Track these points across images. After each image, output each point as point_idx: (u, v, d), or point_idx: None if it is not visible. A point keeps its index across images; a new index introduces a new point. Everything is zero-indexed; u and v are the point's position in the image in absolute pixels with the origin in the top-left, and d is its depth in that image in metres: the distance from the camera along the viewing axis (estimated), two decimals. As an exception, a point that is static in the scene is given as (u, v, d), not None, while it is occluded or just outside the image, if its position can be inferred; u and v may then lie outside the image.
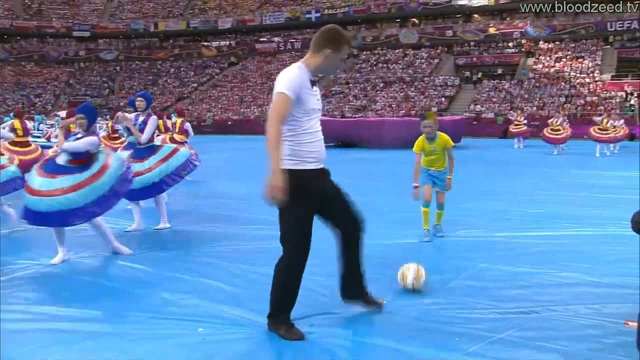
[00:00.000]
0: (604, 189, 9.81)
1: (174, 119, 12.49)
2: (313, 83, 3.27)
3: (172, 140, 10.31)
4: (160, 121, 10.53)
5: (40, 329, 3.58)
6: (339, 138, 22.09)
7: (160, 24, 56.33)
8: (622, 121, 20.19)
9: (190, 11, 58.19)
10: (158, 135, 9.29)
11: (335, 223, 3.42)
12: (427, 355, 3.07)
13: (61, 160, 5.12)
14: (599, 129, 18.69)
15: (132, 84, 52.72)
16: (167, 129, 11.23)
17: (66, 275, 4.83)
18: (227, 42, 55.98)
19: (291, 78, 3.13)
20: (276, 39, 53.98)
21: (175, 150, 6.80)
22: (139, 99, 6.89)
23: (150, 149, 6.68)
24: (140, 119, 6.75)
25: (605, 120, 18.81)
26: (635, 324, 2.77)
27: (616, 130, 18.75)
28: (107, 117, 20.91)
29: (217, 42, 56.40)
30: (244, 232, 6.46)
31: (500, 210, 7.72)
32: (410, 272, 4.07)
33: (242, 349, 3.19)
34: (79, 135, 5.20)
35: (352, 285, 3.62)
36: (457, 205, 7.22)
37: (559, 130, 18.79)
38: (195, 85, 50.94)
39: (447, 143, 5.75)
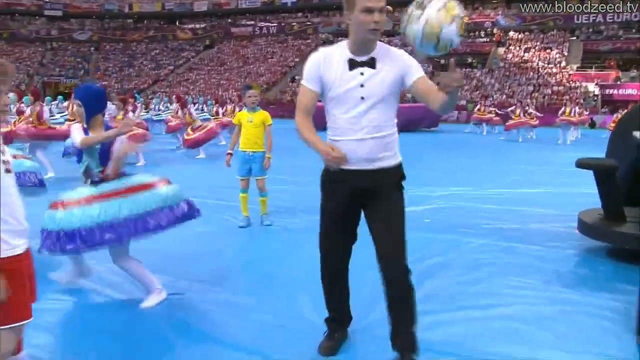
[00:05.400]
0: (561, 164, 11.21)
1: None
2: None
3: None
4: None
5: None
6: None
7: (135, 5, 56.18)
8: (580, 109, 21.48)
9: (165, -7, 58.11)
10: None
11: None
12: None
13: None
14: (566, 116, 19.82)
15: (108, 65, 52.59)
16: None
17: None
18: (203, 25, 56.12)
19: None
20: (252, 23, 54.36)
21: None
22: None
23: None
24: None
25: (567, 110, 19.94)
26: None
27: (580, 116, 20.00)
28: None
29: (193, 25, 56.51)
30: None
31: (486, 177, 9.82)
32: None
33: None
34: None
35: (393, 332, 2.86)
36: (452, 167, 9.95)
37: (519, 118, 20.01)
38: (172, 67, 51.05)
39: (266, 119, 5.88)
